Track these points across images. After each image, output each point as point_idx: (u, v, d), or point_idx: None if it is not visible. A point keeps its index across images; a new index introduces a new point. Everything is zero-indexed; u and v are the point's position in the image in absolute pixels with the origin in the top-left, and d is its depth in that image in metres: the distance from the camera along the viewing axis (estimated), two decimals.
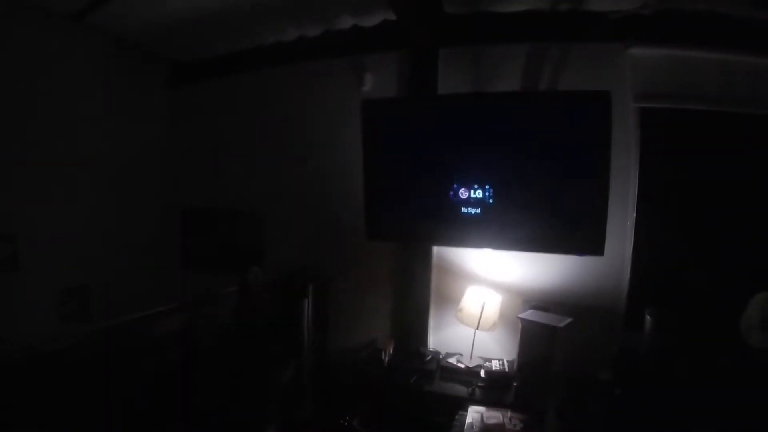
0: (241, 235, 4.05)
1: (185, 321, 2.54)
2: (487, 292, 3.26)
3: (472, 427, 2.66)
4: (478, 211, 3.09)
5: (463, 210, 3.12)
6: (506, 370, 3.19)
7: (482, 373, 3.14)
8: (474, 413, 2.77)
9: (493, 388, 3.05)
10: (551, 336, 2.89)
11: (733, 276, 2.77)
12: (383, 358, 3.32)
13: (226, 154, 4.21)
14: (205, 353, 2.56)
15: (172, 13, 3.37)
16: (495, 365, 3.23)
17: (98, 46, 3.69)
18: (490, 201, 3.06)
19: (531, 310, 3.07)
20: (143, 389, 2.27)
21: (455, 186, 3.11)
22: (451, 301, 3.47)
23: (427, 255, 3.52)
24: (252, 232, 3.99)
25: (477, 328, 3.20)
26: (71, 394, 1.97)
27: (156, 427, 2.25)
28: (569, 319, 2.92)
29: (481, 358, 3.32)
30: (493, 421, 2.67)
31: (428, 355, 3.37)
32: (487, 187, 3.05)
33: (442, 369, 3.26)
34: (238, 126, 4.16)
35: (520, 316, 3.03)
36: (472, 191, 3.08)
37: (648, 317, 2.64)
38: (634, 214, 3.05)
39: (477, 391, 3.04)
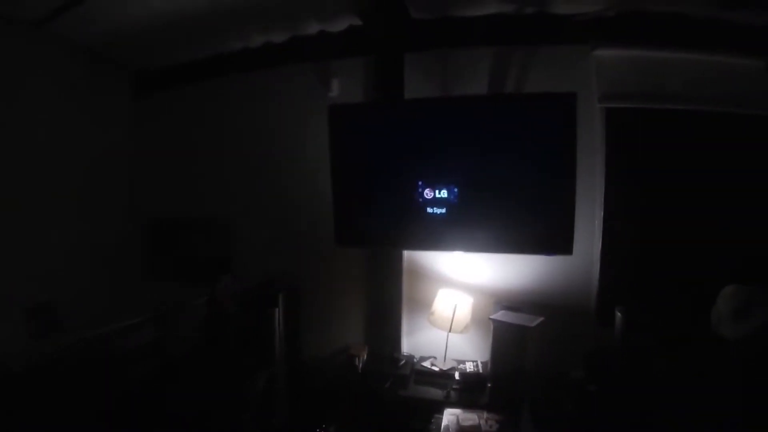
0: (209, 245, 3.96)
1: (155, 333, 2.49)
2: (458, 295, 3.27)
3: (448, 429, 2.66)
4: (444, 210, 3.10)
5: (429, 210, 3.12)
6: (480, 371, 3.19)
7: (457, 376, 3.14)
8: (450, 416, 2.76)
9: (467, 389, 3.05)
10: (523, 336, 2.90)
11: (701, 270, 2.82)
12: (357, 364, 3.29)
13: (194, 162, 4.10)
14: (176, 365, 2.51)
15: (136, 21, 3.27)
16: (469, 367, 3.24)
17: (61, 54, 3.55)
18: (455, 200, 3.07)
19: (502, 311, 3.08)
20: (116, 404, 2.21)
21: (420, 186, 3.11)
22: (423, 304, 3.46)
23: (398, 259, 3.51)
24: (220, 241, 3.90)
25: (450, 331, 3.20)
26: (44, 411, 1.91)
27: None
28: (540, 319, 2.94)
29: (455, 360, 3.32)
30: (469, 423, 2.67)
31: (402, 360, 3.36)
32: (452, 187, 3.07)
33: (416, 373, 3.25)
34: (205, 133, 4.06)
35: (491, 317, 3.03)
36: (437, 191, 3.09)
37: (618, 314, 2.68)
38: (602, 213, 3.09)
39: (452, 393, 3.03)
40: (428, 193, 3.11)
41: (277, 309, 3.22)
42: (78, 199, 3.74)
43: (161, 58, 4.01)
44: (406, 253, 3.52)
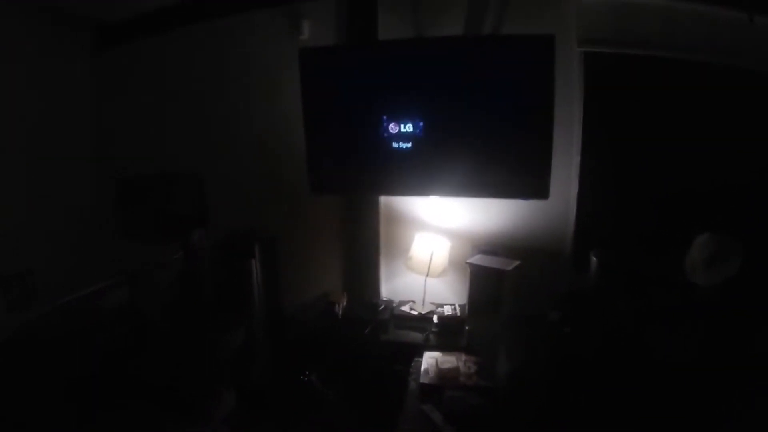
0: (182, 200, 3.78)
1: (129, 294, 2.44)
2: (435, 239, 3.29)
3: (428, 372, 2.71)
4: (409, 145, 3.10)
5: (395, 145, 3.12)
6: (458, 314, 3.26)
7: (435, 319, 3.21)
8: (429, 359, 2.81)
9: (446, 333, 3.13)
10: (499, 279, 2.94)
11: (675, 218, 2.87)
12: (337, 311, 3.33)
13: (163, 115, 3.84)
14: (150, 327, 2.47)
15: None
16: (447, 310, 3.30)
17: (11, 11, 3.23)
18: (420, 134, 3.07)
19: (479, 255, 3.11)
20: (94, 368, 2.19)
21: (385, 121, 3.10)
22: (400, 249, 3.49)
23: (375, 205, 3.49)
24: (193, 196, 3.74)
25: (427, 275, 3.24)
26: (23, 380, 1.89)
27: (109, 405, 2.18)
28: (517, 262, 2.99)
29: (433, 304, 3.38)
30: (447, 365, 2.72)
31: (381, 305, 3.40)
32: (418, 121, 3.06)
33: (395, 318, 3.31)
34: (173, 86, 3.80)
35: (468, 261, 3.07)
36: (401, 125, 3.08)
37: (593, 258, 2.73)
38: (579, 158, 3.09)
39: (431, 337, 3.11)
40: (393, 128, 3.09)
41: (253, 260, 3.20)
42: (43, 162, 3.50)
43: (122, 9, 3.69)
44: (383, 199, 3.50)
